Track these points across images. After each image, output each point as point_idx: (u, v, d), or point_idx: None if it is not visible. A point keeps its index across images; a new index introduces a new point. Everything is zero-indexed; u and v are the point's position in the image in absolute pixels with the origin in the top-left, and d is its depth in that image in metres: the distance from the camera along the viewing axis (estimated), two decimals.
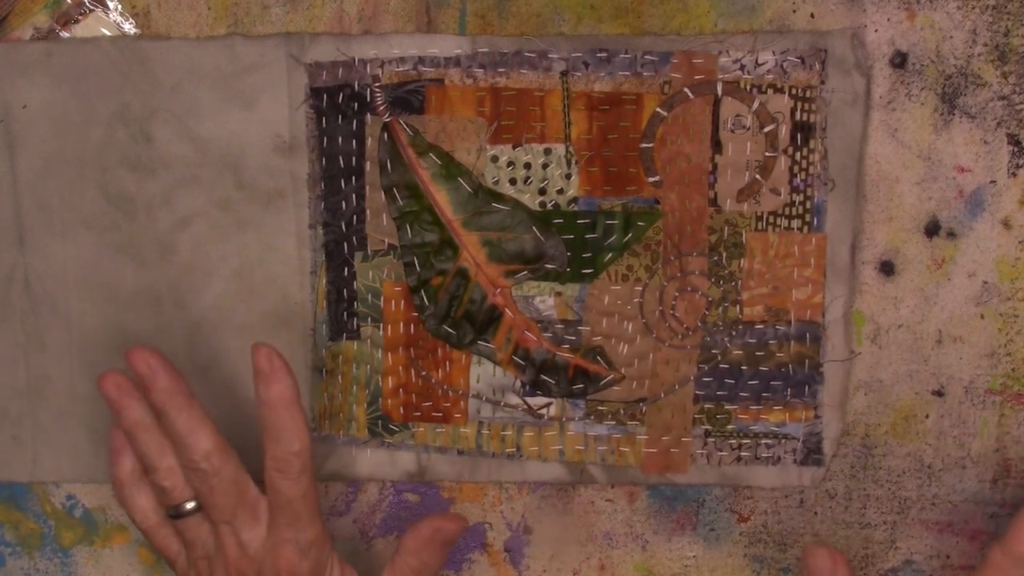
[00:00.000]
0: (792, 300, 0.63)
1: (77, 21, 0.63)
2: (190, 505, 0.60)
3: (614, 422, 0.65)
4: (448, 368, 0.65)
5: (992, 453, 0.66)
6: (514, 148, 0.63)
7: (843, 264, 0.63)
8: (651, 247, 0.63)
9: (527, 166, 0.63)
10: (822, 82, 0.62)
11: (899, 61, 0.62)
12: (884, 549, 0.67)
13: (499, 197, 0.63)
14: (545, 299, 0.64)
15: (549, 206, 0.63)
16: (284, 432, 0.58)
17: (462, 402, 0.65)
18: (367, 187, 0.63)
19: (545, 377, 0.65)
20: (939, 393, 0.65)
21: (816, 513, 0.66)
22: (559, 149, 0.63)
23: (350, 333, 0.65)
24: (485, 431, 0.65)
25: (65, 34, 0.63)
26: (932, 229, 0.63)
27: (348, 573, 0.62)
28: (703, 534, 0.67)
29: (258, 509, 0.60)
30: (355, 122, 0.63)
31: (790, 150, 0.62)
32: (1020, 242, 0.64)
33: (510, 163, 0.63)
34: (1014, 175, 0.63)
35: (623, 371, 0.64)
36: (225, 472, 0.59)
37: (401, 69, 0.62)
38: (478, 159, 0.63)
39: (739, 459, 0.65)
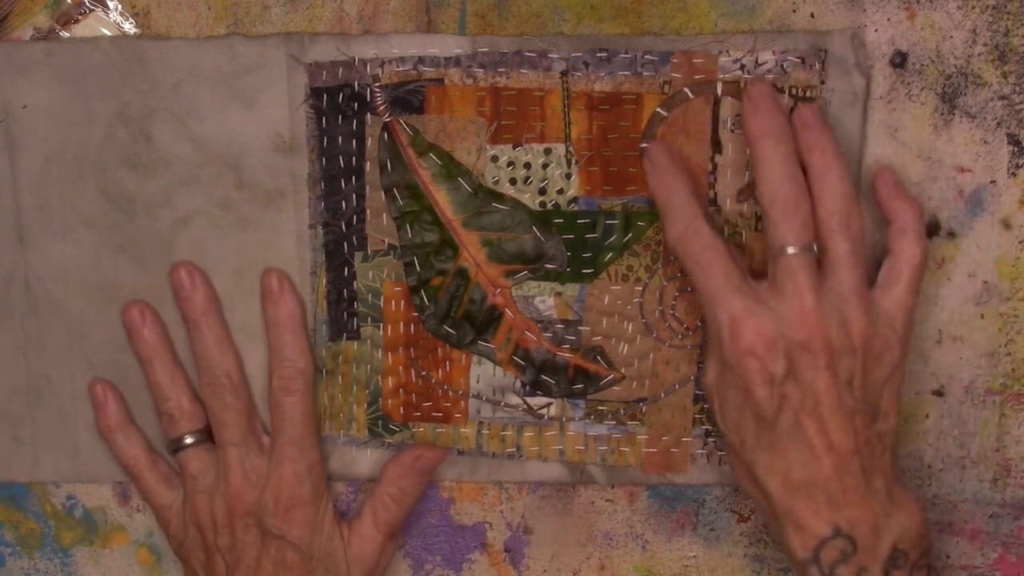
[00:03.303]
0: None
1: (77, 21, 0.63)
2: (190, 439, 0.64)
3: (614, 422, 0.65)
4: (448, 368, 0.65)
5: (992, 453, 0.66)
6: (514, 148, 0.63)
7: None
8: (651, 247, 0.63)
9: (527, 166, 0.63)
10: (822, 82, 0.62)
11: (899, 61, 0.62)
12: None
13: (499, 197, 0.63)
14: (545, 299, 0.64)
15: (549, 206, 0.63)
16: (289, 350, 0.63)
17: (462, 402, 0.65)
18: (367, 187, 0.63)
19: (545, 377, 0.65)
20: (939, 393, 0.65)
21: None
22: (559, 149, 0.63)
23: (350, 333, 0.65)
24: (485, 431, 0.65)
25: (65, 34, 0.63)
26: (932, 229, 0.63)
27: (335, 514, 0.65)
28: (703, 534, 0.67)
29: (262, 441, 0.64)
30: (355, 122, 0.63)
31: None
32: (1020, 242, 0.64)
33: (510, 163, 0.63)
34: (1014, 175, 0.63)
35: (623, 371, 0.64)
36: (242, 392, 0.63)
37: (401, 69, 0.62)
38: (478, 159, 0.63)
39: None
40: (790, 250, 0.57)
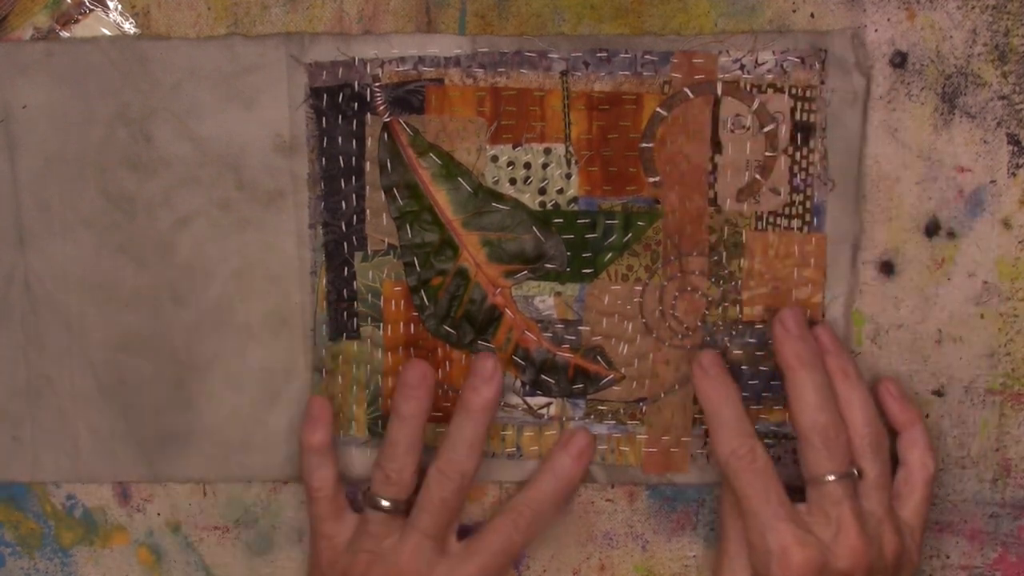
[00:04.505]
0: (792, 300, 0.63)
1: (77, 21, 0.63)
2: (387, 504, 0.62)
3: (614, 422, 0.65)
4: (448, 368, 0.65)
5: (992, 453, 0.66)
6: (514, 148, 0.63)
7: (843, 264, 0.63)
8: (651, 247, 0.63)
9: (527, 166, 0.63)
10: (822, 82, 0.62)
11: (899, 61, 0.62)
12: None
13: (499, 197, 0.63)
14: (545, 299, 0.64)
15: (549, 206, 0.63)
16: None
17: None
18: (367, 187, 0.63)
19: (545, 377, 0.65)
20: (939, 393, 0.65)
21: None
22: (559, 149, 0.63)
23: (350, 333, 0.65)
24: None
25: (65, 34, 0.63)
26: (932, 229, 0.64)
27: None
28: (703, 534, 0.67)
29: (450, 545, 0.63)
30: (355, 122, 0.63)
31: (790, 150, 0.62)
32: (1020, 242, 0.64)
33: (510, 163, 0.63)
34: (1014, 175, 0.63)
35: (623, 371, 0.64)
36: (463, 497, 0.63)
37: (401, 69, 0.62)
38: (478, 159, 0.63)
39: None
40: (830, 477, 0.60)
